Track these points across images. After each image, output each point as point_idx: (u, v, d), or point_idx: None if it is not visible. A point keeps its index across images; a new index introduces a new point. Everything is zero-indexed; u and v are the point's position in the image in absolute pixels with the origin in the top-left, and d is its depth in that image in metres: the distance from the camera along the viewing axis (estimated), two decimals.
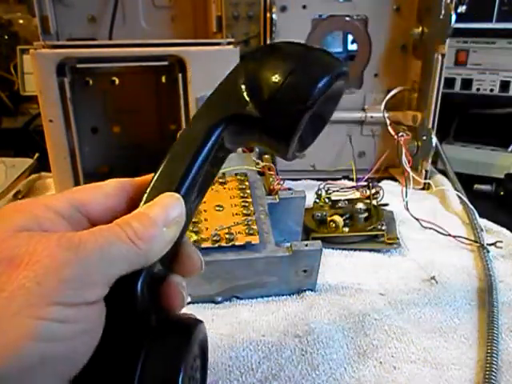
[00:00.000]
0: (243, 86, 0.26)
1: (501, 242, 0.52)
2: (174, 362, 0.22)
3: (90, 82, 0.66)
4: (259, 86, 0.26)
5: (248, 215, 0.45)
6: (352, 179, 0.72)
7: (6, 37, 0.88)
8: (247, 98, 0.26)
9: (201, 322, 0.25)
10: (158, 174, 0.25)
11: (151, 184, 0.25)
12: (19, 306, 0.17)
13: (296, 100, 0.25)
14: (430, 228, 0.56)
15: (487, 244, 0.52)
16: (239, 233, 0.43)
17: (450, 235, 0.54)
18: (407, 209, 0.56)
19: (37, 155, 0.72)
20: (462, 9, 0.67)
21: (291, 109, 0.25)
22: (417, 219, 0.56)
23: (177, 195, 0.24)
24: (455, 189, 0.66)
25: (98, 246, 0.20)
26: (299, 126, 0.25)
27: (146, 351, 0.22)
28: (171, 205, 0.23)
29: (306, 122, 0.26)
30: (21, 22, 0.88)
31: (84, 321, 0.19)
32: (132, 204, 0.24)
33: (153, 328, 0.23)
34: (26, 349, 0.17)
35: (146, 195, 0.24)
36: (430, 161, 0.68)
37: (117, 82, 0.67)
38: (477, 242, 0.53)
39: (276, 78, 0.26)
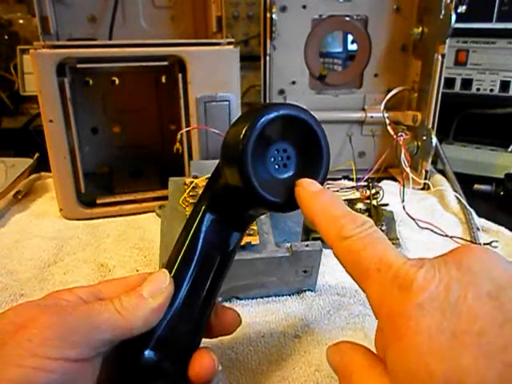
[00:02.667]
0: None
1: (496, 241, 0.52)
2: None
3: (90, 82, 0.66)
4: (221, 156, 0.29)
5: None
6: (352, 179, 0.72)
7: (6, 37, 0.87)
8: (220, 174, 0.29)
9: None
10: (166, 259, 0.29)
11: None
12: (12, 357, 0.22)
13: (234, 146, 0.27)
14: (427, 228, 0.56)
15: (484, 244, 0.52)
16: None
17: (446, 235, 0.55)
18: (404, 209, 0.56)
19: (37, 155, 0.72)
20: (462, 9, 0.67)
21: (234, 156, 0.27)
22: (413, 219, 0.56)
23: (163, 270, 0.28)
24: (454, 189, 0.66)
25: (87, 314, 0.24)
26: (247, 167, 0.26)
27: None
28: (157, 278, 0.27)
29: (265, 163, 0.28)
30: (21, 22, 0.88)
31: (61, 373, 0.23)
32: None
33: None
34: None
35: None
36: (429, 161, 0.68)
37: (117, 82, 0.67)
38: (473, 242, 0.53)
39: (222, 141, 0.29)
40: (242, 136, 0.26)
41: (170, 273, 0.28)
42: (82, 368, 0.24)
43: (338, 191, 0.61)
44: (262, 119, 0.27)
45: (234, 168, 0.27)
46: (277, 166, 0.28)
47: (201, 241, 0.29)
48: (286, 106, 0.28)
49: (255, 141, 0.26)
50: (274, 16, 0.65)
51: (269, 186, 0.27)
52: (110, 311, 0.25)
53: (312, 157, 0.29)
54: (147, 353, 0.26)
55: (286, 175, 0.29)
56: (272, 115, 0.27)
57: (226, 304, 0.44)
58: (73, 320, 0.24)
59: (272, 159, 0.28)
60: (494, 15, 0.74)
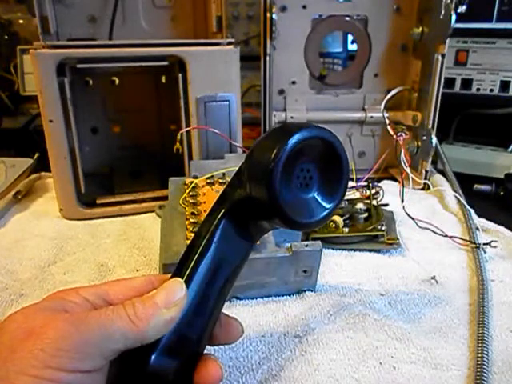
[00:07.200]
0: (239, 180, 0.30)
1: (495, 241, 0.52)
2: None
3: (90, 82, 0.66)
4: (242, 169, 0.29)
5: None
6: (352, 179, 0.72)
7: (6, 37, 0.87)
8: (242, 184, 0.29)
9: None
10: (176, 265, 0.29)
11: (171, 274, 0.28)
12: (24, 366, 0.21)
13: (264, 163, 0.27)
14: (427, 228, 0.56)
15: (483, 244, 0.52)
16: None
17: (446, 235, 0.55)
18: (404, 209, 0.56)
19: (37, 155, 0.72)
20: (462, 9, 0.67)
21: (264, 172, 0.27)
22: (413, 219, 0.56)
23: (179, 280, 0.27)
24: (454, 189, 0.66)
25: (100, 323, 0.24)
26: (276, 186, 0.27)
27: None
28: (173, 288, 0.27)
29: (292, 182, 0.28)
30: (21, 21, 0.88)
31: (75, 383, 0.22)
32: None
33: None
34: None
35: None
36: (429, 161, 0.68)
37: (117, 82, 0.67)
38: (471, 242, 0.53)
39: (249, 153, 0.29)
40: (274, 154, 0.27)
41: (182, 278, 0.28)
42: (93, 378, 0.23)
43: None
44: (295, 139, 0.27)
45: (262, 184, 0.27)
46: (299, 185, 0.29)
47: (213, 248, 0.29)
48: (315, 128, 0.28)
49: (286, 160, 0.27)
50: (273, 16, 0.65)
51: (292, 205, 0.28)
52: (123, 320, 0.24)
53: (332, 178, 0.30)
54: (153, 358, 0.26)
55: (308, 195, 0.29)
56: (304, 136, 0.27)
57: (227, 304, 0.44)
58: (86, 330, 0.23)
59: (296, 178, 0.29)
60: (494, 15, 0.74)
